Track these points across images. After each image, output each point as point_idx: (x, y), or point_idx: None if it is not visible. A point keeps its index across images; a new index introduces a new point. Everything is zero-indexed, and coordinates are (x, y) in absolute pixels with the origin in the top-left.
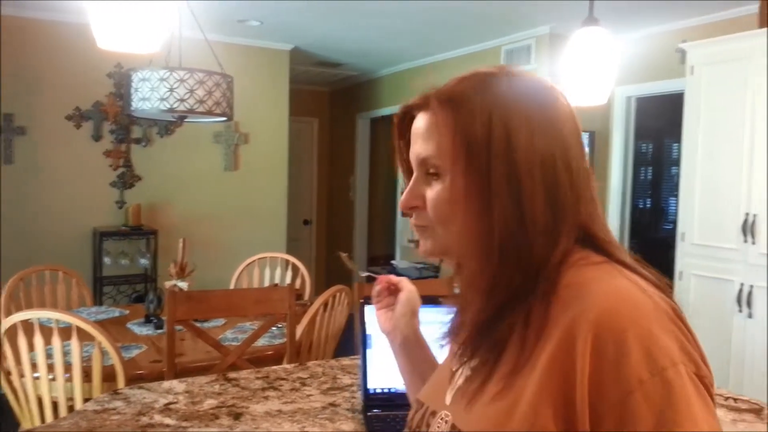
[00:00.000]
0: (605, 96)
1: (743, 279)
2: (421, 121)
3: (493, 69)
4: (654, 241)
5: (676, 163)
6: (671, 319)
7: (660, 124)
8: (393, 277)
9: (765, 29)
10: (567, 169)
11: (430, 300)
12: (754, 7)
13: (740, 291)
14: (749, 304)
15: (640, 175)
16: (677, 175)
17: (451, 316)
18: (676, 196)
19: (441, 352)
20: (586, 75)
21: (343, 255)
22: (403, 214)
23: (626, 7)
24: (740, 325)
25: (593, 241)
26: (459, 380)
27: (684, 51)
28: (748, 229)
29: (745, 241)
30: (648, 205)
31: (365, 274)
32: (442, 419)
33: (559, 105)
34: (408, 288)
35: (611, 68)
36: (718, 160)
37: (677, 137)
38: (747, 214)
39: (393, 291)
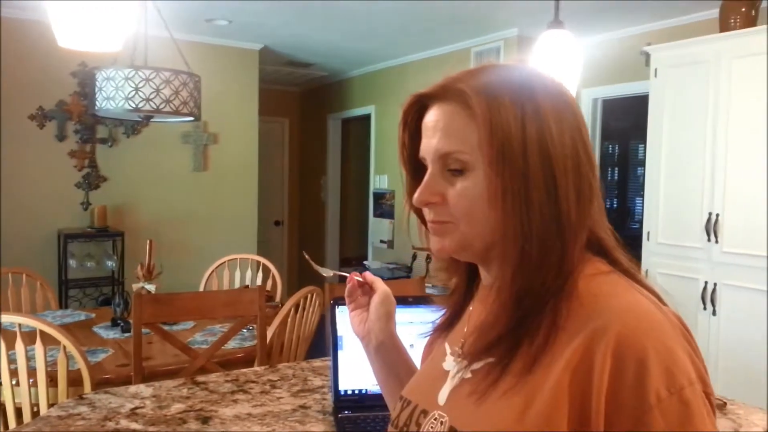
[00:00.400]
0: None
1: (707, 277)
2: (441, 114)
3: (507, 63)
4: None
5: (642, 163)
6: (684, 335)
7: (626, 125)
8: (367, 275)
9: (725, 33)
10: (589, 163)
11: (402, 300)
12: (715, 12)
13: (704, 289)
14: (713, 301)
15: (606, 175)
16: (643, 175)
17: (438, 314)
18: (642, 196)
19: (413, 351)
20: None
21: (306, 256)
22: (414, 211)
23: (592, 11)
24: (705, 322)
25: (599, 244)
26: (455, 380)
27: (648, 54)
28: (711, 228)
29: (709, 240)
30: (615, 205)
31: (330, 273)
32: (436, 419)
33: (570, 98)
34: (381, 289)
35: (576, 70)
36: (682, 160)
37: (642, 138)
38: (710, 214)
39: (366, 291)
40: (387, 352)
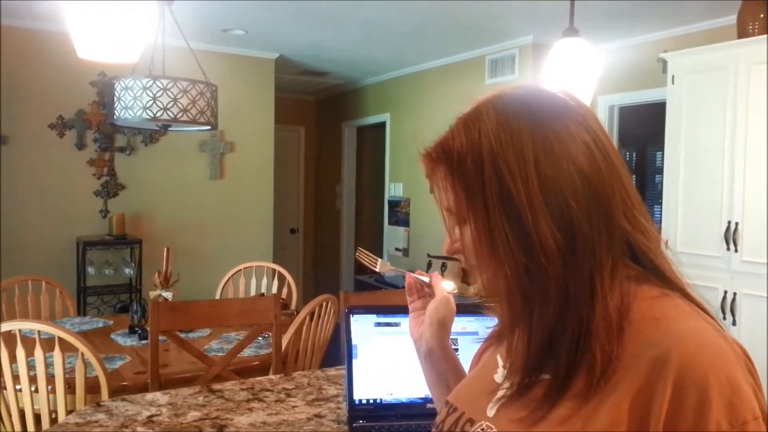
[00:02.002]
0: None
1: (727, 286)
2: (434, 174)
3: (481, 102)
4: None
5: (660, 171)
6: (747, 367)
7: (643, 132)
8: (433, 278)
9: (743, 40)
10: (585, 185)
11: (465, 309)
12: (733, 19)
13: (724, 298)
14: (733, 311)
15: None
16: (661, 183)
17: (495, 323)
18: (661, 203)
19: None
20: (566, 84)
21: (361, 251)
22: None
23: (608, 17)
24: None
25: (649, 262)
26: (506, 394)
27: (665, 61)
28: (730, 236)
29: (728, 248)
30: None
31: (388, 268)
32: (483, 430)
33: (563, 121)
34: (440, 295)
35: (591, 77)
36: (700, 168)
37: (660, 145)
38: (729, 222)
39: (428, 293)
40: (437, 360)
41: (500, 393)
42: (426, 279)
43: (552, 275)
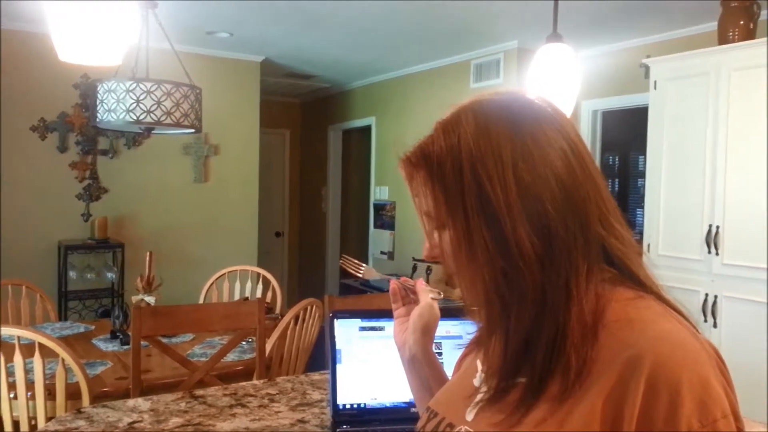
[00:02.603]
0: (569, 109)
1: (708, 289)
2: (413, 179)
3: (461, 107)
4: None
5: (643, 175)
6: (719, 367)
7: (626, 136)
8: (418, 285)
9: (724, 46)
10: (563, 192)
11: (449, 312)
12: (714, 25)
13: (705, 301)
14: (714, 314)
15: (607, 187)
16: (643, 186)
17: (476, 329)
18: (643, 207)
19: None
20: (550, 89)
21: (345, 258)
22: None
23: (592, 23)
24: (705, 334)
25: (624, 266)
26: (485, 398)
27: (647, 66)
28: (711, 240)
29: (709, 252)
30: None
31: (375, 275)
32: None
33: (541, 127)
34: (424, 302)
35: (574, 82)
36: (682, 172)
37: (643, 150)
38: (710, 226)
39: (412, 300)
40: (420, 366)
41: (478, 397)
42: (411, 285)
43: (529, 280)
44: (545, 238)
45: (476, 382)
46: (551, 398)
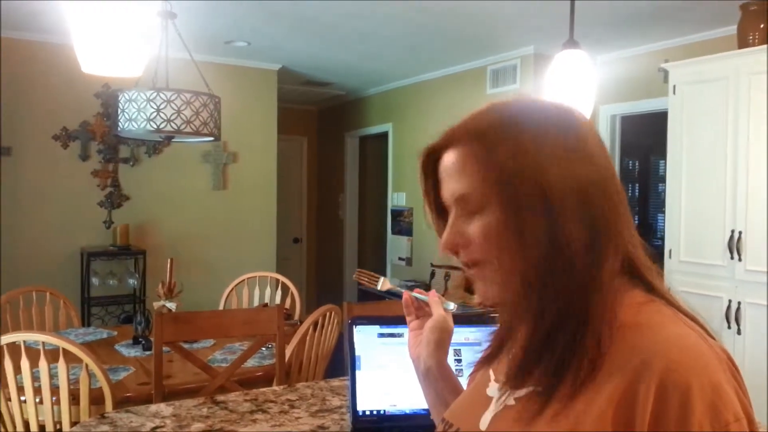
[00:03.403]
0: (586, 114)
1: (731, 295)
2: (452, 159)
3: (511, 99)
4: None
5: (663, 179)
6: (731, 370)
7: (646, 141)
8: (431, 297)
9: (743, 50)
10: (603, 193)
11: (468, 319)
12: (733, 29)
13: (728, 307)
14: (737, 320)
15: (627, 192)
16: (664, 191)
17: (488, 341)
18: (664, 212)
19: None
20: (566, 95)
21: (359, 273)
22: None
23: (609, 28)
24: (729, 341)
25: (638, 272)
26: (498, 407)
27: (666, 71)
28: (734, 245)
29: (732, 257)
30: (636, 222)
31: (388, 286)
32: None
33: (582, 128)
34: (437, 314)
35: (590, 88)
36: (703, 177)
37: (663, 154)
38: (732, 231)
39: (427, 312)
40: (435, 379)
41: (492, 406)
42: (425, 298)
43: (574, 271)
44: (592, 234)
45: (489, 392)
46: (563, 398)
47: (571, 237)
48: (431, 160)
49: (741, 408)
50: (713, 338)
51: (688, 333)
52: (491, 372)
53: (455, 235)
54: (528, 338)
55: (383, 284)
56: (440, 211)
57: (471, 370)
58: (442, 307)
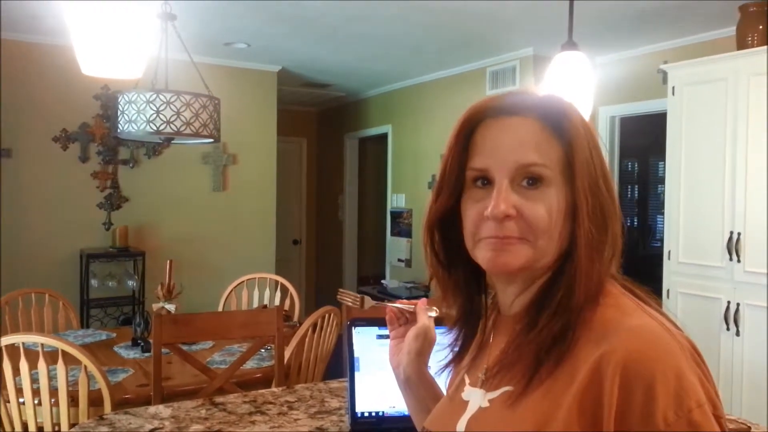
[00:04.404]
0: (585, 116)
1: (730, 297)
2: (517, 126)
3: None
4: (643, 259)
5: (662, 181)
6: (693, 358)
7: (645, 142)
8: (418, 306)
9: (742, 51)
10: (609, 187)
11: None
12: (732, 30)
13: (727, 309)
14: (736, 322)
15: (626, 193)
16: (663, 193)
17: (452, 342)
18: (663, 214)
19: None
20: (565, 96)
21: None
22: (430, 227)
23: (609, 29)
24: (728, 343)
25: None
26: (473, 409)
27: (665, 72)
28: (732, 247)
29: (731, 259)
30: (635, 223)
31: (372, 304)
32: None
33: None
34: (420, 324)
35: (589, 89)
36: (702, 178)
37: (662, 155)
38: (731, 232)
39: (410, 320)
40: (415, 387)
41: (468, 409)
42: (410, 307)
43: (605, 258)
44: (609, 217)
45: (465, 395)
46: (535, 395)
47: (615, 229)
48: (471, 123)
49: (704, 394)
50: (678, 329)
51: (649, 323)
52: (465, 377)
53: (509, 204)
54: (516, 342)
55: (366, 303)
56: (462, 176)
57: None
58: (427, 316)
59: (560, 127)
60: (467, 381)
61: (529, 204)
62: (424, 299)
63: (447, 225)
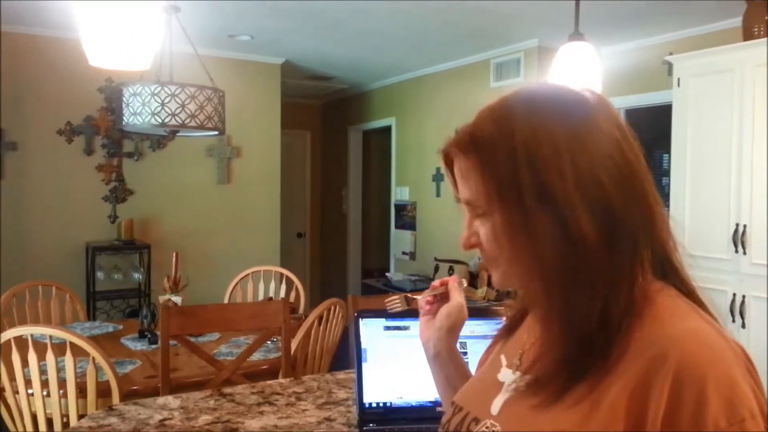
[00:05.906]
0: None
1: (735, 289)
2: (457, 165)
3: (509, 95)
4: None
5: (667, 173)
6: (747, 367)
7: (650, 134)
8: (451, 282)
9: (748, 42)
10: (621, 178)
11: (477, 312)
12: (738, 21)
13: (732, 301)
14: (742, 314)
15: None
16: (668, 185)
17: (499, 326)
18: (668, 206)
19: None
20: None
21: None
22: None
23: (614, 20)
24: (734, 335)
25: (664, 261)
26: (509, 392)
27: (671, 63)
28: (738, 239)
29: (737, 251)
30: None
31: (405, 305)
32: (487, 428)
33: (593, 115)
34: (454, 301)
35: (595, 80)
36: (707, 170)
37: (667, 148)
38: (737, 225)
39: (441, 298)
40: (444, 363)
41: (504, 391)
42: (440, 290)
43: (595, 266)
44: (609, 225)
45: (500, 377)
46: (581, 386)
47: (583, 233)
48: (449, 159)
49: (757, 405)
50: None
51: (705, 327)
52: (502, 357)
53: (469, 236)
54: (560, 332)
55: (402, 302)
56: None
57: (482, 353)
58: (460, 294)
59: (480, 155)
60: (504, 362)
61: (481, 233)
62: (455, 276)
63: None
